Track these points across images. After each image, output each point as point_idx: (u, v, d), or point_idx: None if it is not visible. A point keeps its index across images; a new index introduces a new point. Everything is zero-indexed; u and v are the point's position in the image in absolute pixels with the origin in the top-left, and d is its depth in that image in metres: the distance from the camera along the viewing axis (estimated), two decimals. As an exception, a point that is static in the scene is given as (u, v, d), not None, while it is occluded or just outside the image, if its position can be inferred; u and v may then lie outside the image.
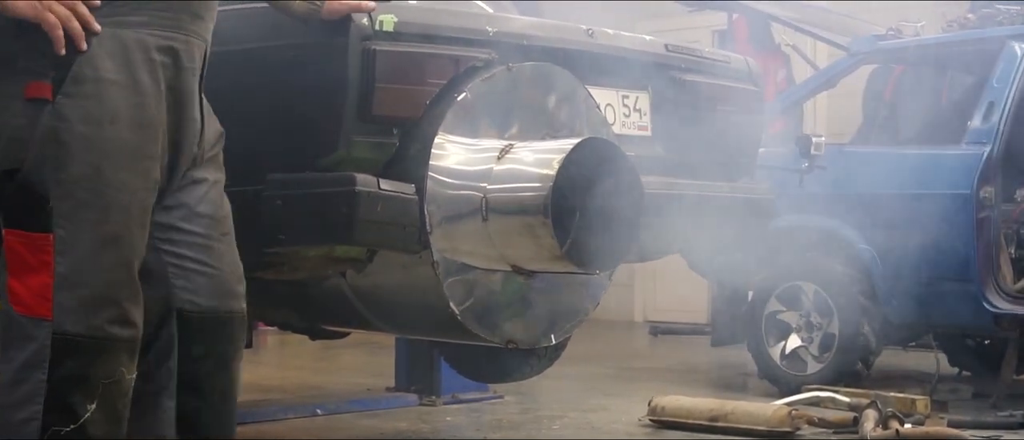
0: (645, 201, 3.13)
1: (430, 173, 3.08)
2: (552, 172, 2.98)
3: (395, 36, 3.11)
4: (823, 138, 4.26)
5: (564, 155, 3.01)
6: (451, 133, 3.13)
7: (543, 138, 3.24)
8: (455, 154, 3.14)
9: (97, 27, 2.34)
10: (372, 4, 3.08)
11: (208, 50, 2.57)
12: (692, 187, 3.69)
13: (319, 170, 3.09)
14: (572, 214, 3.02)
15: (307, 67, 3.11)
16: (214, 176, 2.63)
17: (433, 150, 3.09)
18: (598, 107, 3.43)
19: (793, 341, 5.92)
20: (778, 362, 5.91)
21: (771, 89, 8.01)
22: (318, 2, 3.00)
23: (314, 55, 3.10)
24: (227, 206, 2.65)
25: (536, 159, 3.08)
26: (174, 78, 2.46)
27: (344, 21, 3.04)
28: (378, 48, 3.07)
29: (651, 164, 3.63)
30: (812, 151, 4.20)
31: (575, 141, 3.07)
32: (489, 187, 3.08)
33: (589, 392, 5.82)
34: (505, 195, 3.06)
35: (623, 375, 6.70)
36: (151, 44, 2.42)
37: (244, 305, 2.65)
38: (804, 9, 6.63)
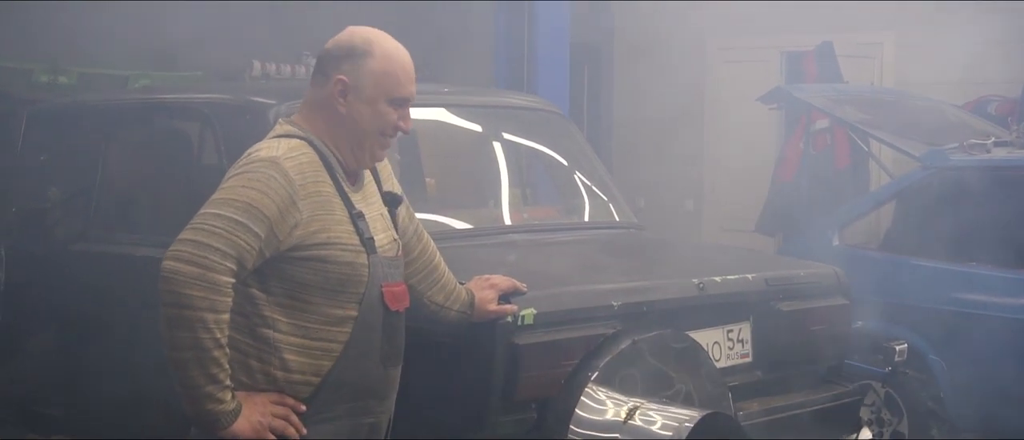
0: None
1: (566, 444, 3.51)
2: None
3: (535, 326, 3.51)
4: (905, 345, 4.61)
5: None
6: (583, 407, 3.55)
7: (666, 398, 3.65)
8: (586, 419, 3.55)
9: (304, 431, 2.80)
10: (515, 308, 3.46)
11: (392, 414, 3.01)
12: (786, 409, 4.11)
13: (467, 445, 3.52)
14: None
15: (461, 357, 3.51)
16: None
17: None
18: (710, 359, 3.83)
19: (865, 433, 6.28)
20: (850, 452, 6.30)
21: (844, 150, 8.29)
22: (468, 311, 3.38)
23: (466, 348, 3.49)
24: None
25: (662, 423, 3.49)
26: None
27: (491, 322, 3.44)
28: (521, 342, 3.48)
29: (751, 390, 4.06)
30: (895, 359, 4.57)
31: (695, 416, 3.47)
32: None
33: None
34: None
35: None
36: (343, 434, 2.87)
37: None
38: (880, 112, 6.76)
